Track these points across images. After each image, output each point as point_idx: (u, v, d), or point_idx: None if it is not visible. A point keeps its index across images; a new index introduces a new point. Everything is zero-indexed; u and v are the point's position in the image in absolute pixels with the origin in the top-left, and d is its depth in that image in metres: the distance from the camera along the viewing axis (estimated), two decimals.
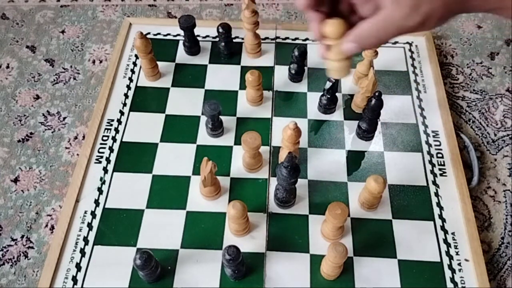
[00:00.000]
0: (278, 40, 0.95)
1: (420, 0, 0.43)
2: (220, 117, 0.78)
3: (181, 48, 0.93)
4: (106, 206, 0.72)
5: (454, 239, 0.69)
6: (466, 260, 0.67)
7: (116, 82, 0.88)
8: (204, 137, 0.80)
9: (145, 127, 0.81)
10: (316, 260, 0.66)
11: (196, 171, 0.75)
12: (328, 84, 0.79)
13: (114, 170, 0.76)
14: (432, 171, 0.76)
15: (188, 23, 0.87)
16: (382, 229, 0.70)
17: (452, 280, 0.66)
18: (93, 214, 0.71)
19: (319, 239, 0.69)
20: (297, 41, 0.95)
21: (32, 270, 0.69)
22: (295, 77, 0.87)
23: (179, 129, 0.81)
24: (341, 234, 0.68)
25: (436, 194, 0.74)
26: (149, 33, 0.95)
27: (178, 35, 0.95)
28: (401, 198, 0.73)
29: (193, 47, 0.92)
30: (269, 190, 0.74)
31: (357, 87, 0.86)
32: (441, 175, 0.76)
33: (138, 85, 0.87)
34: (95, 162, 0.77)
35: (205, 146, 0.79)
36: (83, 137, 0.83)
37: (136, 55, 0.91)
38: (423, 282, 0.65)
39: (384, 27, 0.45)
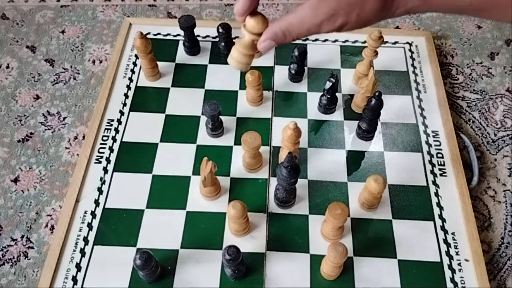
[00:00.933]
0: None
1: (337, 13, 0.45)
2: (220, 117, 0.78)
3: (181, 48, 0.93)
4: (106, 206, 0.72)
5: (454, 239, 0.69)
6: (466, 260, 0.67)
7: (116, 82, 0.88)
8: (204, 137, 0.80)
9: (145, 127, 0.81)
10: (316, 260, 0.66)
11: (196, 171, 0.75)
12: (328, 84, 0.79)
13: (114, 170, 0.76)
14: (432, 171, 0.76)
15: (188, 23, 0.87)
16: (382, 229, 0.70)
17: (452, 280, 0.66)
18: (93, 214, 0.71)
19: (319, 239, 0.69)
20: (297, 41, 0.94)
21: (32, 270, 0.69)
22: (295, 77, 0.87)
23: (179, 129, 0.81)
24: (341, 234, 0.68)
25: (436, 194, 0.74)
26: (149, 33, 0.95)
27: (178, 35, 0.95)
28: (401, 198, 0.73)
29: (193, 47, 0.92)
30: (269, 190, 0.74)
31: (357, 87, 0.86)
32: (441, 175, 0.76)
33: (138, 85, 0.87)
34: (95, 162, 0.77)
35: (205, 146, 0.79)
36: (83, 137, 0.83)
37: (136, 55, 0.91)
38: (423, 282, 0.65)
39: (299, 26, 0.47)
